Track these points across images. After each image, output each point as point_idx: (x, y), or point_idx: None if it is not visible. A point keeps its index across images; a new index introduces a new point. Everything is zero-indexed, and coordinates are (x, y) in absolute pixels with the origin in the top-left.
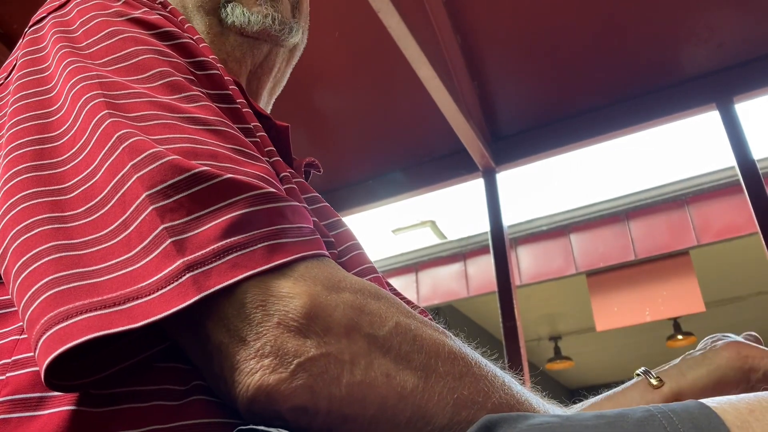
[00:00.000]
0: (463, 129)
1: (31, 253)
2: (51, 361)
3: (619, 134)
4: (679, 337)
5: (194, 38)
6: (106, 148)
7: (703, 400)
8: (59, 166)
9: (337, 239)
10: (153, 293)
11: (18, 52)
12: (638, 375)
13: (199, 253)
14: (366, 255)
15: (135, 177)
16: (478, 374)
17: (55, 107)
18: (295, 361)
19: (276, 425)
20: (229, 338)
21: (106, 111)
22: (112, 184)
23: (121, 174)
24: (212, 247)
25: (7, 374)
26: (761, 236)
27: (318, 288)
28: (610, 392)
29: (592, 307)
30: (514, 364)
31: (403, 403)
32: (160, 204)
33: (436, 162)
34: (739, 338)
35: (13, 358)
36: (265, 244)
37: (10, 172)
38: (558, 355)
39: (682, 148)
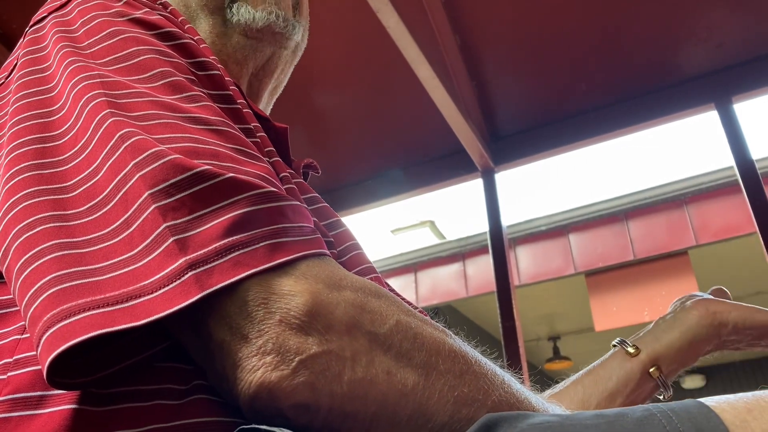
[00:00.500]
0: (461, 129)
1: (33, 251)
2: (53, 358)
3: (618, 134)
4: None
5: (195, 39)
6: (108, 147)
7: (702, 400)
8: (61, 164)
9: (337, 239)
10: (155, 291)
11: (19, 52)
12: (615, 346)
13: (202, 252)
14: (365, 255)
15: (137, 176)
16: (478, 372)
17: (56, 106)
18: (296, 359)
19: (277, 423)
20: (231, 336)
21: (108, 110)
22: (114, 182)
23: (123, 173)
24: (214, 245)
25: (9, 373)
26: (760, 236)
27: (319, 286)
28: (590, 366)
29: (591, 307)
30: (513, 364)
31: (404, 400)
32: (162, 203)
33: (435, 162)
34: (707, 295)
35: (14, 358)
36: (267, 242)
37: (12, 170)
38: (557, 355)
39: (680, 148)
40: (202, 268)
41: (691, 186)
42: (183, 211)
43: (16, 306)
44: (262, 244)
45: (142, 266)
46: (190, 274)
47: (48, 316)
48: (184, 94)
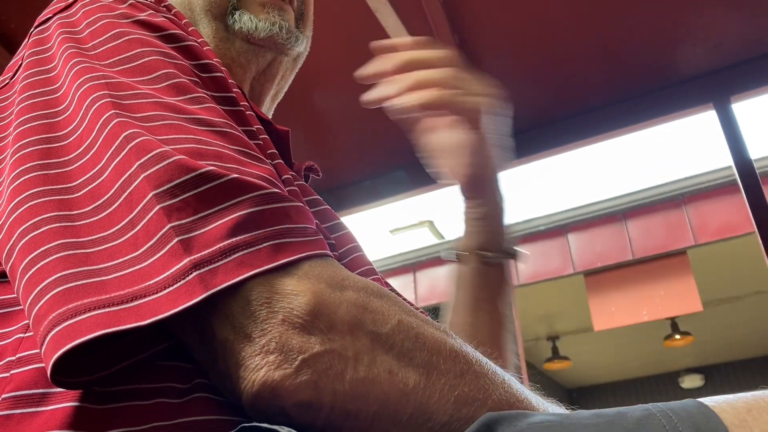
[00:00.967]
0: None
1: (39, 251)
2: (58, 357)
3: (617, 134)
4: (677, 336)
5: (198, 41)
6: (113, 148)
7: (702, 399)
8: (66, 165)
9: (338, 242)
10: (160, 291)
11: (24, 52)
12: (451, 260)
13: (206, 252)
14: (366, 257)
15: (142, 176)
16: (478, 372)
17: (61, 107)
18: (299, 358)
19: (280, 422)
20: (234, 335)
21: (113, 111)
22: (119, 183)
23: (128, 173)
24: (219, 245)
25: (12, 371)
26: (758, 235)
27: (322, 286)
28: (453, 286)
29: (589, 306)
30: None
31: (405, 399)
32: (167, 203)
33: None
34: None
35: (17, 356)
36: (271, 243)
37: (17, 170)
38: (556, 354)
39: (679, 148)
40: (206, 268)
41: (689, 186)
42: (187, 212)
43: (19, 305)
44: (265, 244)
45: (147, 266)
46: (194, 274)
47: (53, 315)
48: (188, 96)
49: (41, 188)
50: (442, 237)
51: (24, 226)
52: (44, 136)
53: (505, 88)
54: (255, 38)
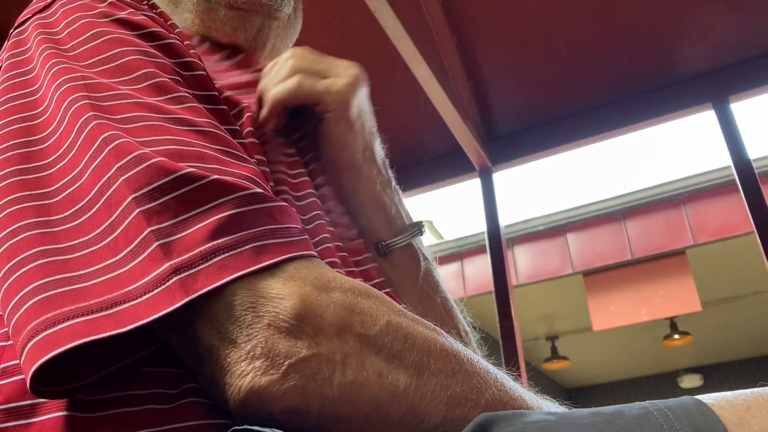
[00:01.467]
0: (459, 129)
1: (17, 259)
2: (37, 369)
3: (616, 134)
4: (676, 336)
5: (185, 43)
6: (92, 150)
7: (700, 397)
8: (45, 169)
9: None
10: (140, 297)
11: (3, 55)
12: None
13: (186, 256)
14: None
15: (121, 179)
16: (470, 371)
17: (40, 109)
18: (286, 363)
19: (269, 426)
20: (219, 341)
21: (92, 113)
22: (98, 186)
23: (107, 176)
24: (199, 249)
25: None
26: (757, 235)
27: (308, 288)
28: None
29: (588, 306)
30: (511, 364)
31: (396, 402)
32: (147, 206)
33: (433, 162)
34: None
35: (1, 366)
36: (253, 245)
37: None
38: (555, 354)
39: (678, 147)
40: (186, 273)
41: (688, 186)
42: (167, 215)
43: None
44: (248, 246)
45: (127, 272)
46: (174, 279)
47: (32, 324)
48: (169, 96)
49: (19, 194)
50: (442, 237)
51: (2, 234)
52: (23, 140)
53: (504, 88)
54: (238, 1)
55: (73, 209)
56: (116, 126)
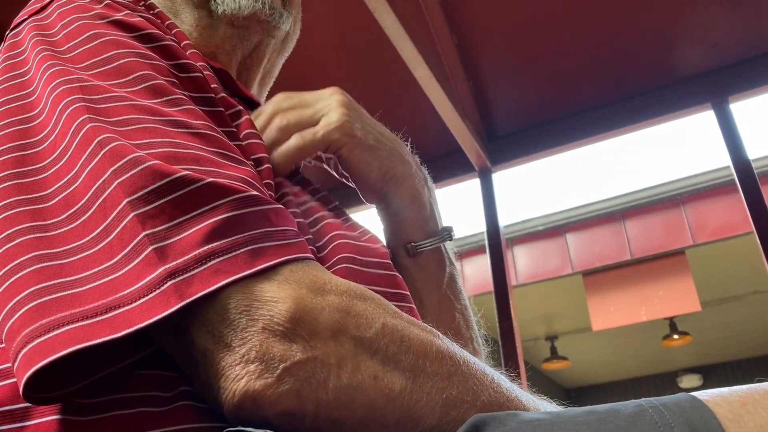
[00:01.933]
0: (459, 129)
1: (12, 264)
2: (31, 375)
3: (615, 134)
4: (675, 336)
5: (182, 44)
6: (87, 153)
7: (695, 393)
8: (40, 172)
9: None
10: (135, 302)
11: None
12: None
13: (181, 260)
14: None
15: (116, 183)
16: (466, 373)
17: (35, 112)
18: (281, 366)
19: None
20: (214, 344)
21: (87, 116)
22: (93, 190)
23: (102, 180)
24: (194, 253)
25: None
26: (756, 235)
27: (303, 291)
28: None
29: (588, 306)
30: (510, 364)
31: (392, 404)
32: (142, 210)
33: (432, 162)
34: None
35: None
36: (248, 248)
37: None
38: (554, 354)
39: (677, 148)
40: (181, 277)
41: (687, 186)
42: (162, 219)
43: None
44: (242, 250)
45: (122, 276)
46: (169, 283)
47: (27, 330)
48: (165, 98)
49: (15, 198)
50: None
51: None
52: (18, 143)
53: (504, 88)
54: (239, 19)
55: (68, 213)
56: (111, 129)
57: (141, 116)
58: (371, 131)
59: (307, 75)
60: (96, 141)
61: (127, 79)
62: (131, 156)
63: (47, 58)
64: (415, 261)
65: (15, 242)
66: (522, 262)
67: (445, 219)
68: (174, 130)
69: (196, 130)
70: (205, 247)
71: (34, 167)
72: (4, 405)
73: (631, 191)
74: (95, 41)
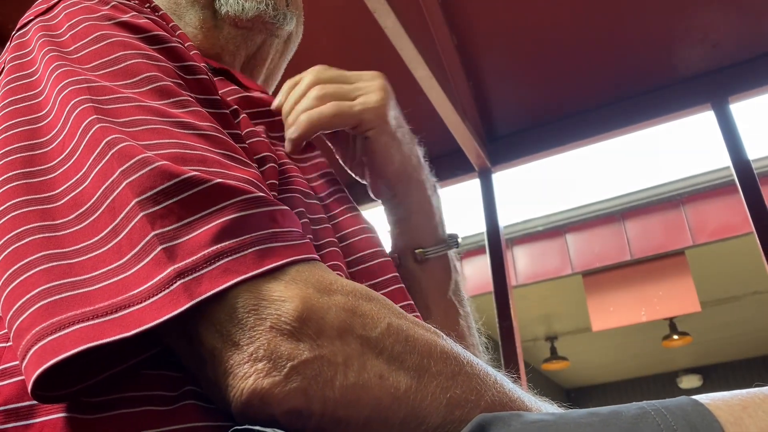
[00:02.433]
0: (459, 129)
1: (21, 263)
2: (40, 373)
3: (615, 134)
4: (675, 337)
5: (185, 45)
6: (95, 154)
7: (696, 397)
8: (49, 172)
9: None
10: (144, 301)
11: (5, 56)
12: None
13: (190, 260)
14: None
15: (124, 183)
16: (470, 373)
17: (43, 112)
18: (288, 365)
19: (271, 427)
20: (222, 343)
21: (95, 116)
22: (102, 190)
23: (111, 180)
24: (203, 252)
25: None
26: (756, 236)
27: (310, 291)
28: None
29: (588, 307)
30: (510, 365)
31: (397, 403)
32: (150, 210)
33: (432, 162)
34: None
35: (0, 368)
36: (256, 248)
37: (0, 179)
38: (554, 355)
39: (677, 148)
40: (190, 277)
41: (687, 186)
42: (171, 219)
43: None
44: (251, 250)
45: (131, 275)
46: (178, 282)
47: (37, 329)
48: (172, 99)
49: (23, 198)
50: None
51: (6, 238)
52: (26, 143)
53: (504, 89)
54: (243, 20)
55: (77, 213)
56: (119, 129)
57: (148, 117)
58: (402, 125)
59: None
60: (104, 141)
61: (135, 80)
62: (140, 156)
63: (55, 59)
64: (421, 267)
65: (24, 241)
66: (522, 262)
67: (446, 219)
68: (181, 131)
69: (202, 132)
70: (214, 247)
71: (42, 167)
72: (10, 403)
73: (630, 191)
74: (102, 42)
